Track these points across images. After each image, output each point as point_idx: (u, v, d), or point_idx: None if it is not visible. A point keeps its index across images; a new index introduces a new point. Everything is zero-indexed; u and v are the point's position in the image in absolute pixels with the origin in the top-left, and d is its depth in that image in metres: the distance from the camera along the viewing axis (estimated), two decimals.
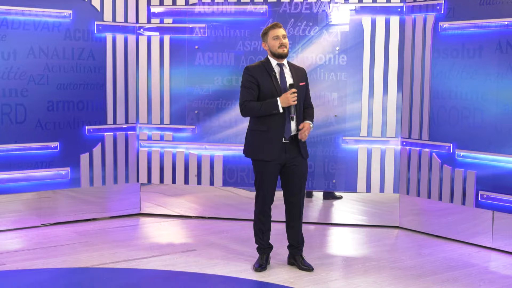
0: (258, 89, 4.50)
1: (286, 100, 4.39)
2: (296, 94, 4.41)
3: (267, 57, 4.59)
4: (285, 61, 4.58)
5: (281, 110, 4.42)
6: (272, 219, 4.75)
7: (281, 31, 4.48)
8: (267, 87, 4.49)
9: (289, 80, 4.52)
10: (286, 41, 4.50)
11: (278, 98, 4.41)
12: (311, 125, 4.57)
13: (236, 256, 4.99)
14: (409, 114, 5.82)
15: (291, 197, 4.64)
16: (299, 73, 4.62)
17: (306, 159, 4.64)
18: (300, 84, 4.56)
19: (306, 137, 4.53)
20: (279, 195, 4.71)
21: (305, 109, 4.67)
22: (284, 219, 4.85)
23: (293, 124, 4.51)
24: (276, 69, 4.53)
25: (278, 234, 5.10)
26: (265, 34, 4.53)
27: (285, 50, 4.49)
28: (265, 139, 4.51)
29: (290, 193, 4.64)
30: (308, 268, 4.65)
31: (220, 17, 6.03)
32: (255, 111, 4.51)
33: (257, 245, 4.72)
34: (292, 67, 4.62)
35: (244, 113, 4.58)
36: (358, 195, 6.10)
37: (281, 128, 4.47)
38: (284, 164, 4.56)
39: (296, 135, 4.54)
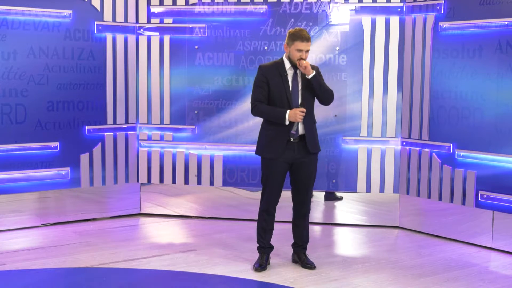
0: (268, 88, 4.52)
1: (294, 116, 4.41)
2: (304, 114, 4.42)
3: (282, 57, 4.59)
4: None
5: (287, 123, 4.45)
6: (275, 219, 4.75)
7: (306, 46, 4.43)
8: (277, 87, 4.50)
9: (301, 81, 4.51)
10: (306, 55, 4.47)
11: (287, 111, 4.42)
12: (314, 72, 4.43)
13: (236, 256, 4.98)
14: (409, 114, 5.82)
15: (297, 196, 4.68)
16: None
17: (317, 154, 4.65)
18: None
19: (304, 66, 4.39)
20: (283, 196, 4.70)
21: None
22: (287, 220, 4.90)
23: (300, 127, 4.51)
24: (289, 71, 4.53)
25: (280, 234, 5.10)
26: (292, 39, 4.46)
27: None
28: (272, 138, 4.54)
29: (296, 191, 4.68)
30: (311, 266, 4.68)
31: (220, 17, 6.03)
32: (263, 115, 4.57)
33: (258, 244, 4.73)
34: None
35: (253, 113, 4.61)
36: (358, 195, 6.09)
37: (287, 130, 4.48)
38: (292, 163, 4.58)
39: (304, 136, 4.54)
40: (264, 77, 4.53)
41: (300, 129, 4.53)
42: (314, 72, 4.47)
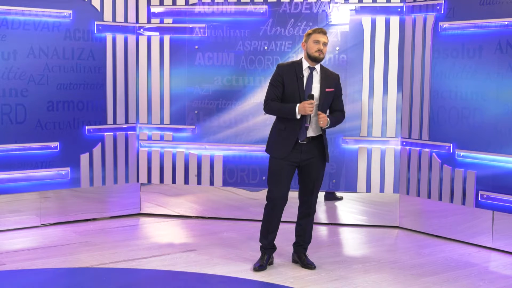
0: (283, 88, 4.54)
1: (303, 108, 4.41)
2: (313, 105, 4.41)
3: (301, 58, 4.60)
4: (318, 66, 4.56)
5: (298, 117, 4.44)
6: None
7: (323, 38, 4.49)
8: (291, 88, 4.51)
9: (316, 85, 4.52)
10: (325, 48, 4.50)
11: (297, 105, 4.43)
12: (328, 121, 4.51)
13: (236, 256, 4.99)
14: (409, 114, 5.82)
15: (303, 196, 4.70)
16: (329, 79, 4.59)
17: (325, 162, 4.64)
18: (327, 90, 4.56)
19: (323, 124, 4.48)
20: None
21: (333, 112, 4.69)
22: (290, 220, 4.91)
23: (314, 129, 4.52)
24: (306, 72, 4.54)
25: (283, 233, 5.09)
26: (308, 34, 4.53)
27: (321, 56, 4.49)
28: (282, 137, 4.55)
29: (302, 192, 4.70)
30: (311, 266, 4.69)
31: (220, 17, 6.03)
32: (275, 112, 4.58)
33: (260, 244, 4.73)
34: (324, 72, 4.59)
35: (265, 110, 4.63)
36: (358, 195, 6.10)
37: (297, 129, 4.49)
38: (299, 164, 4.58)
39: (315, 137, 4.55)
40: (280, 77, 4.54)
41: (314, 132, 4.53)
42: (328, 120, 4.50)
